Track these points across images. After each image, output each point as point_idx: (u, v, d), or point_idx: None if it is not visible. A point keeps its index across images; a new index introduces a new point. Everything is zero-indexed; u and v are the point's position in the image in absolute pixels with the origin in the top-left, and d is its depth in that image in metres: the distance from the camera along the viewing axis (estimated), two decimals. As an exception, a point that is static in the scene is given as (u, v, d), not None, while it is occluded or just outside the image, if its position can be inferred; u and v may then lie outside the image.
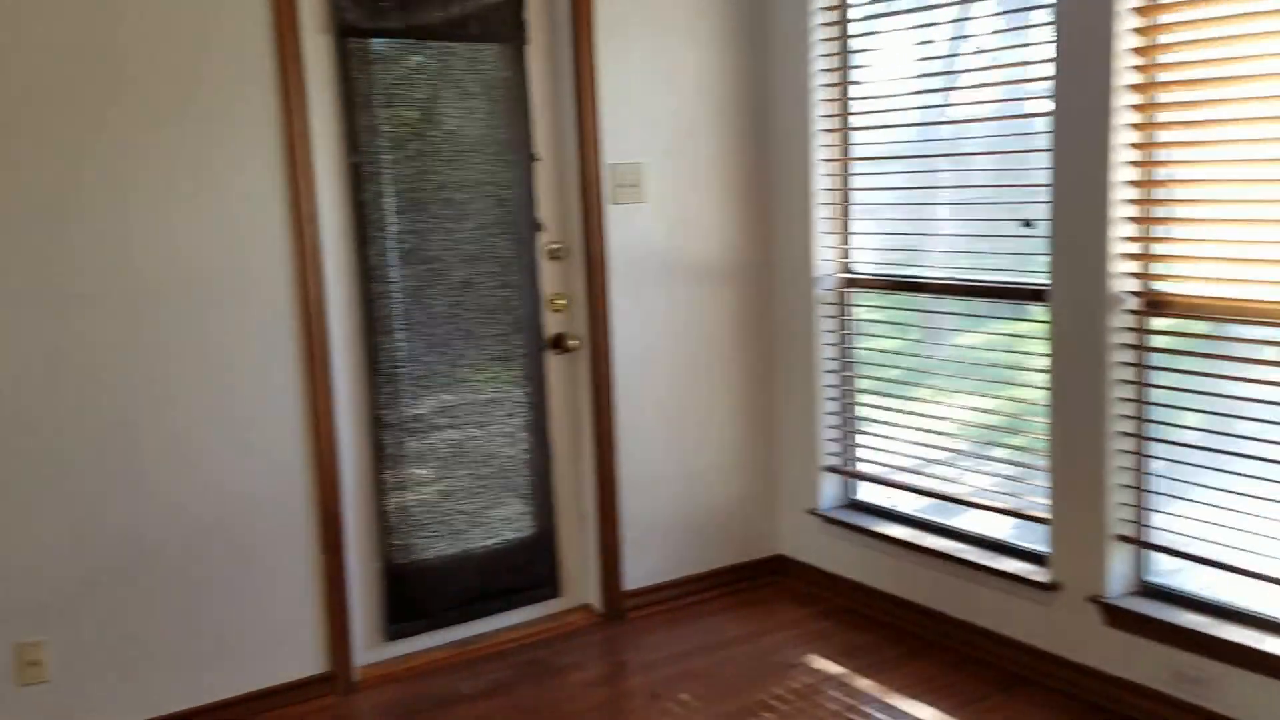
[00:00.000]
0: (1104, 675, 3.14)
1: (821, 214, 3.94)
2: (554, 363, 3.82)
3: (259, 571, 3.27)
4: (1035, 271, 3.28)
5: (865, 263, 3.92)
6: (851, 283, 3.93)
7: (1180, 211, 2.94)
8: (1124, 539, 3.11)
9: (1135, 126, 2.95)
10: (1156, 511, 3.08)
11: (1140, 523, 3.10)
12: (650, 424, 3.93)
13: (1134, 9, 2.90)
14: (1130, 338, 3.05)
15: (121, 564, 3.07)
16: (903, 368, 3.85)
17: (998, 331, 3.51)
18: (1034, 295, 3.28)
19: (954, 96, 3.56)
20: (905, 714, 3.15)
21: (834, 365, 4.00)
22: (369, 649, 3.55)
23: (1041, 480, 3.31)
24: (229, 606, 3.24)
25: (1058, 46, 3.05)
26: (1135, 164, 2.97)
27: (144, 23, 2.98)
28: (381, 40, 3.40)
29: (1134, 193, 2.98)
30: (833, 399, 4.02)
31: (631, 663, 3.59)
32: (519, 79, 3.64)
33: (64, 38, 2.88)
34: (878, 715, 3.16)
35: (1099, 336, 3.05)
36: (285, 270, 3.23)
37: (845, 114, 3.87)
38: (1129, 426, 3.07)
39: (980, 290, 3.49)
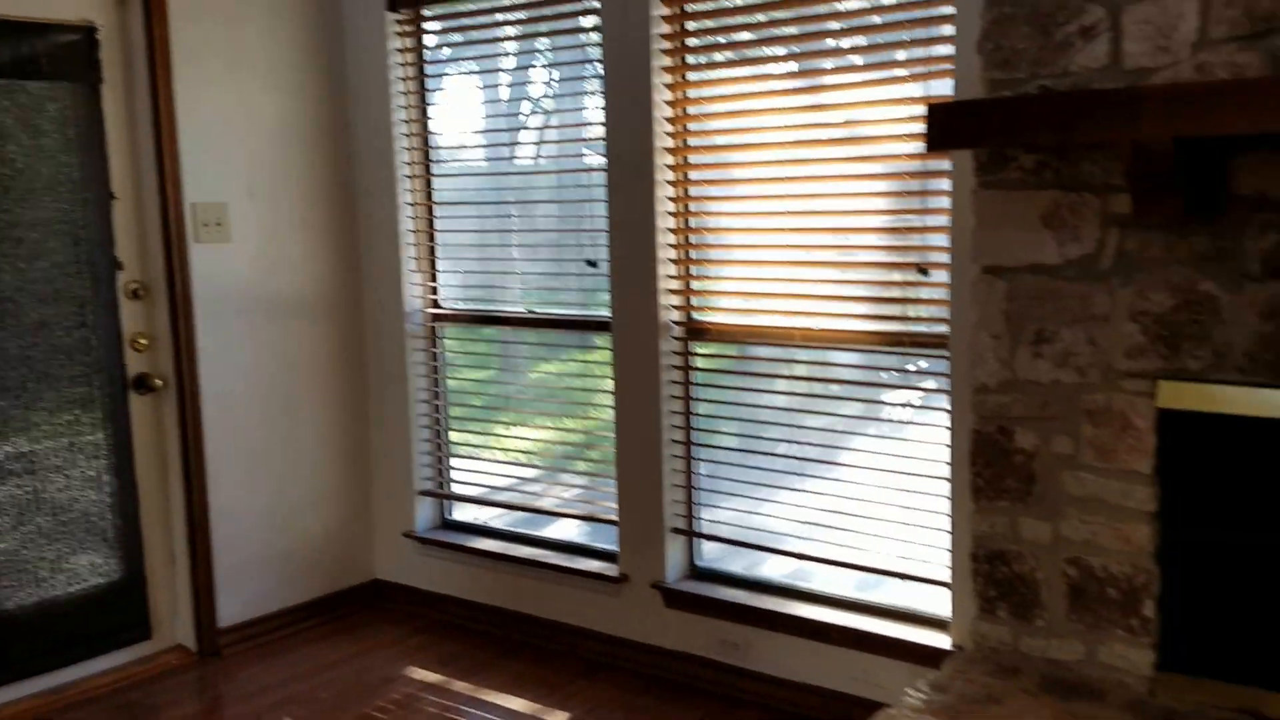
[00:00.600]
0: (667, 651, 3.65)
1: (409, 254, 4.19)
2: (138, 403, 3.76)
3: None
4: (600, 305, 3.76)
5: (452, 299, 4.22)
6: (439, 317, 4.22)
7: (711, 254, 3.53)
8: (678, 531, 3.64)
9: (673, 183, 3.50)
10: (704, 505, 3.64)
11: (691, 516, 3.65)
12: (241, 460, 3.97)
13: (666, 84, 3.45)
14: (678, 360, 3.59)
15: None
16: (490, 395, 4.20)
17: (573, 359, 3.97)
18: (600, 326, 3.75)
19: (521, 150, 3.99)
20: (500, 708, 3.47)
21: (425, 395, 4.26)
22: (-66, 717, 3.30)
23: (612, 488, 3.77)
24: None
25: (607, 111, 3.54)
26: (675, 214, 3.52)
27: None
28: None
29: (675, 238, 3.53)
30: (425, 427, 4.28)
31: (229, 696, 3.61)
32: (94, 117, 3.57)
33: None
34: (474, 712, 3.45)
35: (653, 360, 3.57)
36: None
37: (426, 161, 4.16)
38: (679, 435, 3.61)
39: (554, 323, 3.93)
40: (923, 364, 3.15)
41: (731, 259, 3.47)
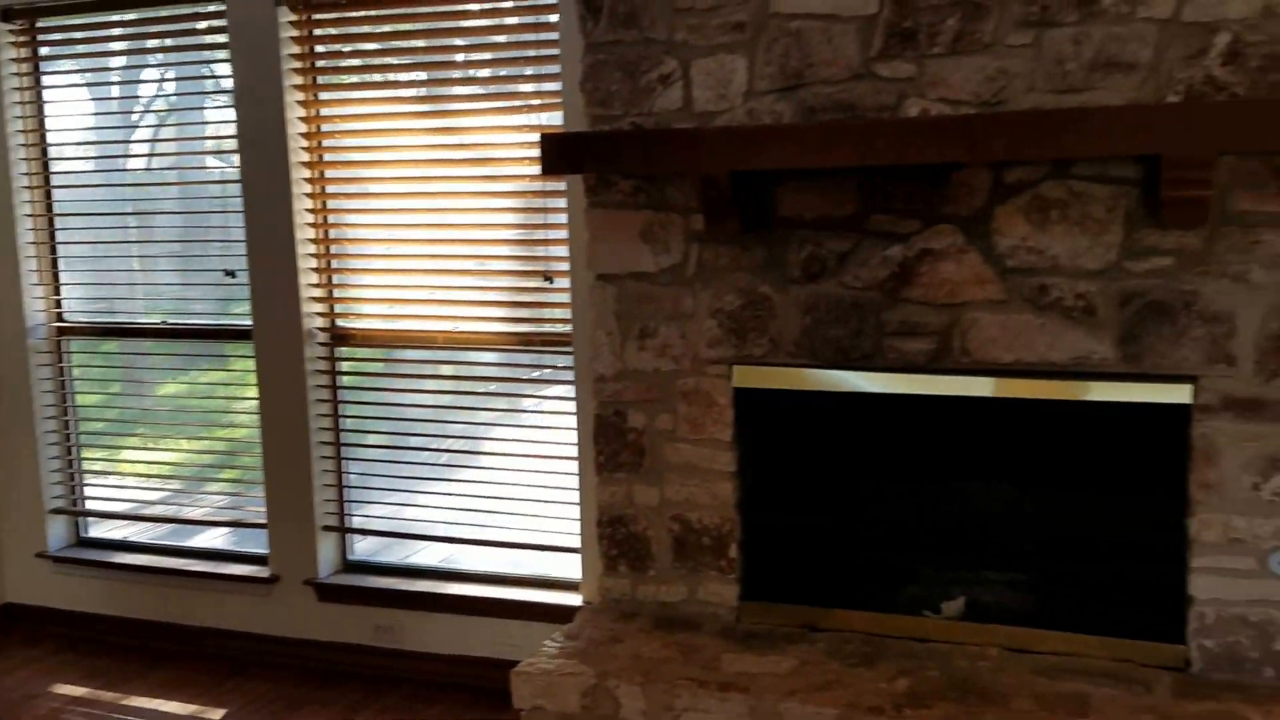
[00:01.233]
0: (323, 643, 3.83)
1: (29, 266, 4.06)
2: None
3: None
4: (241, 314, 3.86)
5: (79, 312, 4.13)
6: (65, 330, 4.12)
7: (353, 263, 3.75)
8: (330, 529, 3.84)
9: (311, 195, 3.69)
10: (357, 503, 3.86)
11: (343, 514, 3.85)
12: None
13: (299, 101, 3.63)
14: (324, 365, 3.78)
15: None
16: (126, 407, 4.15)
17: (216, 368, 4.03)
18: (242, 335, 3.85)
19: (142, 161, 4.01)
20: (155, 712, 3.51)
21: (53, 410, 4.14)
22: None
23: (261, 493, 3.89)
24: None
25: (239, 125, 3.66)
26: (314, 225, 3.71)
27: None
28: None
29: (316, 248, 3.72)
30: (55, 444, 4.16)
31: None
32: None
33: None
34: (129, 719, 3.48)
35: (299, 366, 3.73)
36: None
37: (46, 171, 4.05)
38: (328, 437, 3.80)
39: (195, 333, 3.98)
40: (553, 360, 3.56)
41: (373, 268, 3.72)
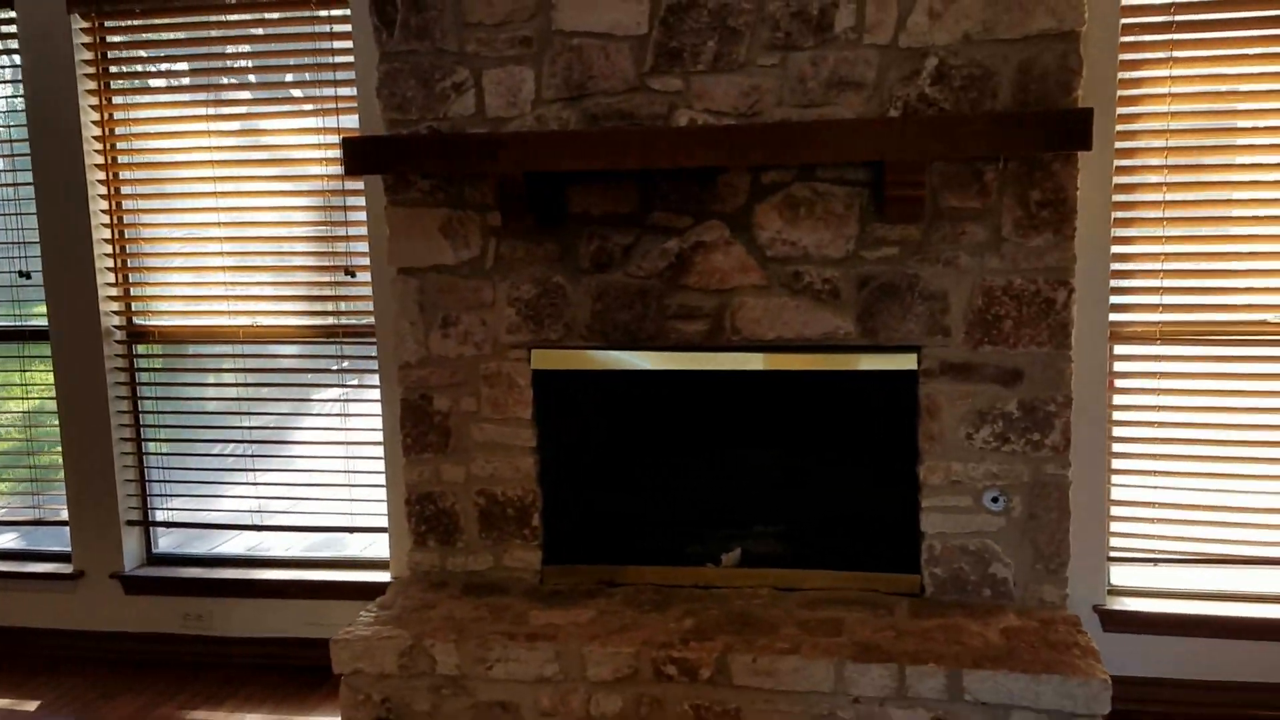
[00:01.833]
0: (132, 635, 3.87)
1: None
2: None
3: None
4: (36, 315, 3.85)
5: None
6: None
7: (151, 262, 3.81)
8: (133, 524, 3.89)
9: (105, 196, 3.73)
10: (162, 496, 3.92)
11: (147, 508, 3.91)
12: None
13: (92, 105, 3.67)
14: (122, 363, 3.82)
15: None
16: (-96, 413, 4.05)
17: (12, 369, 3.98)
18: (37, 335, 3.84)
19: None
20: (-40, 718, 3.49)
21: None
22: None
23: (61, 491, 3.89)
24: None
25: (30, 128, 3.66)
26: (110, 225, 3.75)
27: None
28: None
29: (112, 248, 3.76)
30: None
31: None
32: None
33: None
34: (-68, 727, 3.44)
35: (98, 364, 3.76)
36: None
37: None
38: (129, 433, 3.85)
39: (-18, 334, 3.93)
40: (356, 350, 3.74)
41: (172, 266, 3.79)
